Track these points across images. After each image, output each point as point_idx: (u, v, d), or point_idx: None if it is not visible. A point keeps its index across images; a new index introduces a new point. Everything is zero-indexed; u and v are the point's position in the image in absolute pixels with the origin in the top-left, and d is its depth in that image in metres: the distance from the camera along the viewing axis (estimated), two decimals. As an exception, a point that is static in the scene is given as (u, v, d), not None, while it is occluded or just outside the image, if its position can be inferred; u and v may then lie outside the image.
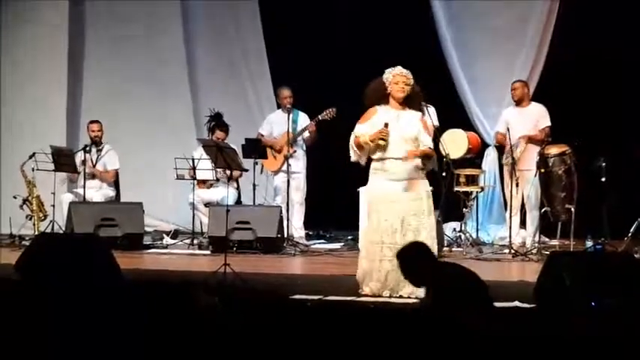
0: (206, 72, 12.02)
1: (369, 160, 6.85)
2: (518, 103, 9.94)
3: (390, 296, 6.62)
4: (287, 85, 10.48)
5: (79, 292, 6.23)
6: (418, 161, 6.78)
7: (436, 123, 9.47)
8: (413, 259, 5.65)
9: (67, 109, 11.67)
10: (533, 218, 9.72)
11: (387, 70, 6.81)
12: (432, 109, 9.44)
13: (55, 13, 11.61)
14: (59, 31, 11.63)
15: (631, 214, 9.26)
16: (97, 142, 10.48)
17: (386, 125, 6.68)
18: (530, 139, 9.68)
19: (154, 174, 11.31)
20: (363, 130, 6.77)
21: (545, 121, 9.78)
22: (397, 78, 6.76)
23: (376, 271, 6.71)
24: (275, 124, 10.47)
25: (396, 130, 6.74)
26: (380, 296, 6.65)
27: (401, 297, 6.61)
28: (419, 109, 6.94)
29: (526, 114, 9.86)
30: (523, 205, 9.83)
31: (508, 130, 9.57)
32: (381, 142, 6.69)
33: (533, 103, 9.99)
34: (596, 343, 4.96)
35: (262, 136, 10.52)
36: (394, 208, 6.69)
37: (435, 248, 6.79)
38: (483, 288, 5.49)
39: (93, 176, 10.42)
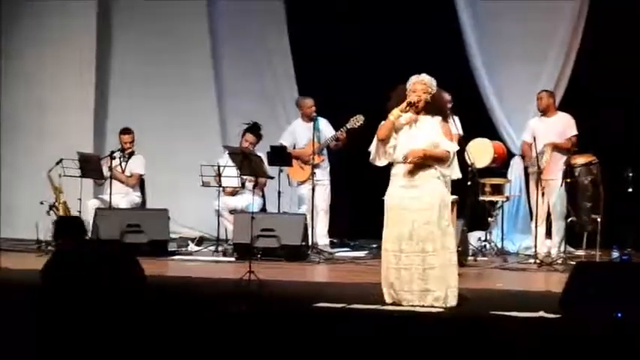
0: (232, 80, 12.04)
1: (390, 164, 6.80)
2: (544, 113, 9.88)
3: (414, 305, 6.58)
4: (308, 95, 10.48)
5: (103, 298, 6.27)
6: (436, 169, 6.70)
7: (460, 132, 9.46)
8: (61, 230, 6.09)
9: (95, 116, 11.75)
10: (558, 228, 9.66)
11: (411, 77, 6.79)
12: (455, 119, 9.41)
13: (83, 22, 11.72)
14: (87, 39, 11.73)
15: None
16: (128, 152, 10.53)
17: (409, 103, 6.65)
18: (556, 147, 9.63)
19: (180, 181, 11.34)
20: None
21: (572, 130, 9.73)
22: (415, 86, 6.71)
23: (386, 278, 6.70)
24: (298, 134, 10.47)
25: (414, 135, 6.70)
26: (401, 303, 6.61)
27: (423, 306, 6.57)
28: (442, 115, 6.84)
29: (552, 124, 9.81)
30: (549, 215, 9.78)
31: (534, 139, 9.54)
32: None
33: (559, 112, 9.92)
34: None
35: (285, 146, 10.50)
36: (403, 216, 6.62)
37: (451, 258, 6.66)
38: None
39: (120, 181, 10.48)
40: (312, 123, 10.29)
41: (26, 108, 11.75)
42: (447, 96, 9.85)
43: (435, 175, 6.67)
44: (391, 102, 6.77)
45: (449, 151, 6.69)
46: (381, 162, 6.76)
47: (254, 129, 10.48)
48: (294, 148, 10.47)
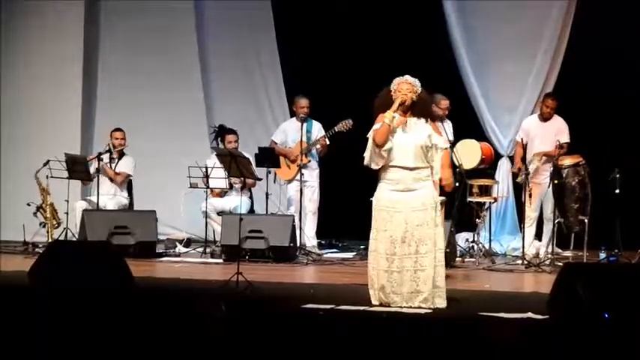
0: (220, 81, 12.03)
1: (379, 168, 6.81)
2: (548, 118, 9.87)
3: (401, 307, 6.58)
4: (304, 95, 10.46)
5: (91, 299, 6.25)
6: (427, 171, 6.73)
7: (451, 137, 9.46)
8: None
9: (82, 118, 11.72)
10: (548, 229, 9.68)
11: (395, 79, 6.80)
12: (448, 124, 9.43)
13: (70, 23, 11.69)
14: (74, 40, 11.71)
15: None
16: (119, 151, 10.50)
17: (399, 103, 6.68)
18: (546, 154, 9.63)
19: (168, 182, 11.32)
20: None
21: (564, 137, 9.68)
22: (400, 86, 6.74)
23: (377, 280, 6.69)
24: (289, 133, 10.48)
25: (403, 138, 6.72)
26: (389, 305, 6.61)
27: (411, 307, 6.58)
28: (428, 117, 6.87)
29: (549, 128, 9.80)
30: (537, 216, 9.80)
31: (522, 140, 9.55)
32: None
33: (555, 116, 9.91)
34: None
35: (275, 143, 10.54)
36: (395, 219, 6.64)
37: (443, 260, 6.73)
38: None
39: (111, 180, 10.45)
40: (303, 124, 10.27)
41: (12, 107, 11.70)
42: (445, 102, 9.88)
43: (428, 177, 6.71)
44: (378, 105, 6.77)
45: (446, 148, 6.80)
46: (377, 165, 6.76)
47: (226, 131, 10.48)
48: (285, 146, 10.50)
